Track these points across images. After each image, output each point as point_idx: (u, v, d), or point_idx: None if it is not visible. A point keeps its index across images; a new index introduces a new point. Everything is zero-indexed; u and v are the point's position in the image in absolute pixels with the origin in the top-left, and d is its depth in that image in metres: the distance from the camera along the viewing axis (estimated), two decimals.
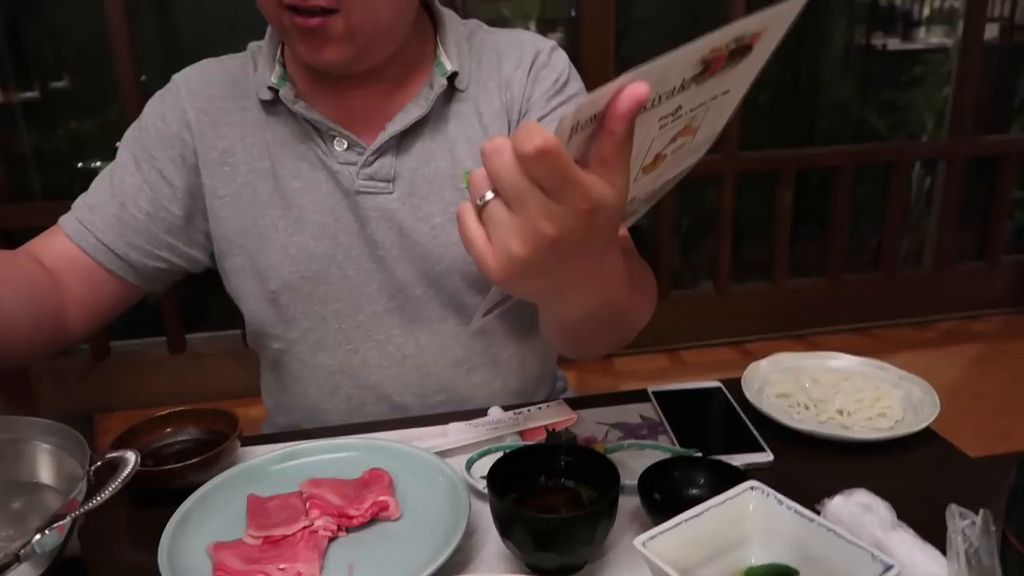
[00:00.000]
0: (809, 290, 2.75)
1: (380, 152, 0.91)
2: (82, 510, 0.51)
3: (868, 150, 2.86)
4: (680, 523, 0.61)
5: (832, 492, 0.71)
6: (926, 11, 3.33)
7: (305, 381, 0.98)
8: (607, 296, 0.65)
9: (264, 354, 1.03)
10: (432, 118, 0.92)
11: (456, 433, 0.88)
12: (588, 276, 0.59)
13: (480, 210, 0.52)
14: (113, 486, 0.52)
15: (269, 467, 0.79)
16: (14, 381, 1.88)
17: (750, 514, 0.64)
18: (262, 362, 1.07)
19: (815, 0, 3.13)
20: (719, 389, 0.98)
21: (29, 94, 2.50)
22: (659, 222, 2.47)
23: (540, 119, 0.93)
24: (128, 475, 0.53)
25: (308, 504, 0.71)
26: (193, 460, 0.78)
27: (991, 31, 2.94)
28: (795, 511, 0.62)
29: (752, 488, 0.65)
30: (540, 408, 0.92)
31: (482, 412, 0.93)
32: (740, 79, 0.58)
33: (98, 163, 2.64)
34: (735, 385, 0.96)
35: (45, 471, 0.59)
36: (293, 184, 0.92)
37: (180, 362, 2.26)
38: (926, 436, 0.87)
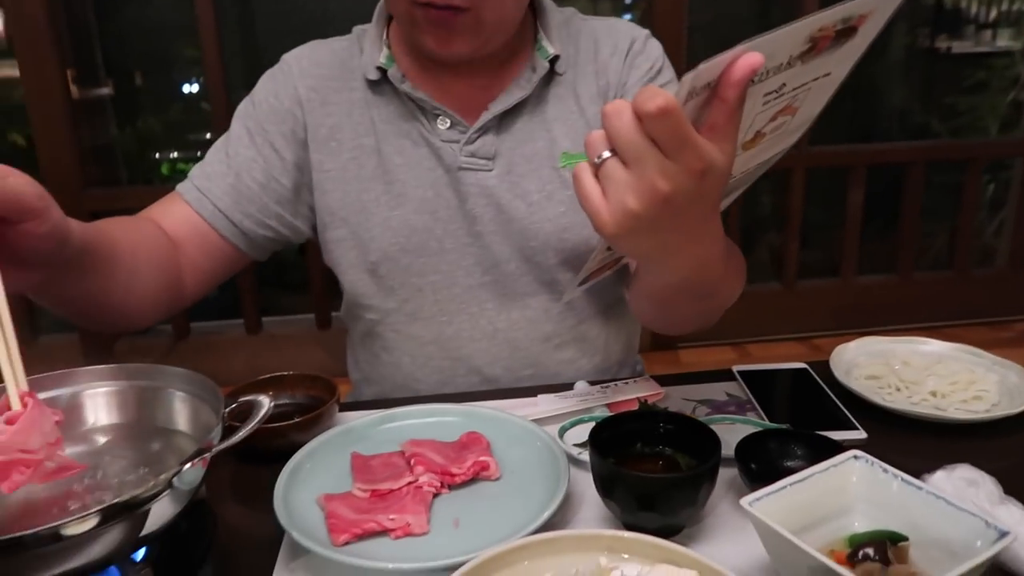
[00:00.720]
0: (879, 287, 2.70)
1: (482, 131, 0.94)
2: (223, 445, 0.54)
3: (941, 146, 2.79)
4: (784, 487, 0.62)
5: (929, 471, 0.71)
6: (992, 14, 3.22)
7: (399, 351, 1.01)
8: (704, 263, 0.67)
9: (357, 326, 1.06)
10: (532, 100, 0.95)
11: (546, 404, 0.90)
12: (692, 239, 0.61)
13: (597, 168, 0.55)
14: (250, 425, 0.55)
15: (369, 429, 0.82)
16: (101, 357, 1.96)
17: (853, 483, 0.65)
18: (352, 335, 1.10)
19: None
20: (805, 370, 0.98)
21: (106, 90, 2.60)
22: (727, 215, 2.46)
23: None
24: (264, 415, 0.57)
25: (412, 461, 0.74)
26: (298, 419, 0.81)
27: None
28: (902, 480, 0.62)
29: (856, 457, 0.65)
30: (627, 383, 0.94)
31: (568, 387, 0.95)
32: (841, 62, 0.59)
33: (174, 153, 2.76)
34: (820, 367, 0.96)
35: (181, 418, 0.63)
36: (396, 160, 0.95)
37: (256, 343, 2.34)
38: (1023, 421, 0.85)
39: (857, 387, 0.89)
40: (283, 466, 0.73)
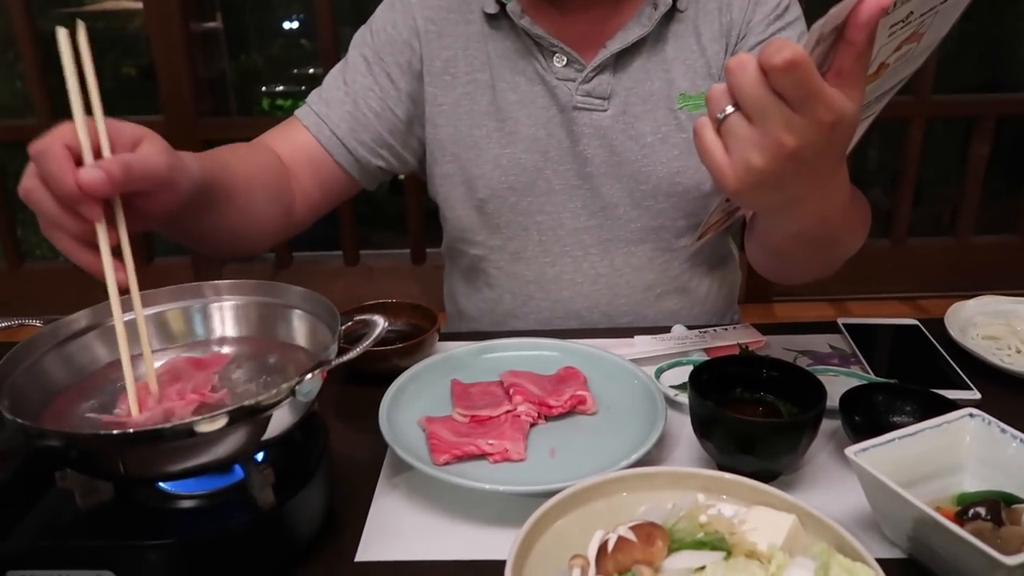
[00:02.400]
0: (997, 248, 2.53)
1: (599, 69, 0.92)
2: (342, 359, 0.57)
3: None
4: (893, 440, 0.60)
5: None
6: None
7: (500, 288, 1.03)
8: (828, 213, 0.65)
9: (460, 260, 1.08)
10: (651, 38, 0.92)
11: (643, 345, 0.90)
12: (818, 190, 0.60)
13: (719, 124, 0.54)
14: (367, 342, 0.58)
15: (469, 357, 0.84)
16: (213, 273, 2.07)
17: (967, 442, 0.63)
18: (451, 270, 1.12)
19: None
20: (916, 326, 0.94)
21: (216, 24, 2.67)
22: None
23: (758, 44, 0.92)
24: (380, 334, 0.59)
25: (511, 391, 0.76)
26: (401, 344, 0.84)
27: None
28: (1021, 441, 0.60)
29: (971, 415, 0.63)
30: (727, 329, 0.92)
31: (666, 330, 0.94)
32: None
33: (279, 87, 2.82)
34: (935, 325, 0.92)
35: (299, 333, 0.66)
36: (510, 97, 0.94)
37: (353, 274, 2.42)
38: None
39: (973, 347, 0.86)
40: (386, 388, 0.76)
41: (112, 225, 0.57)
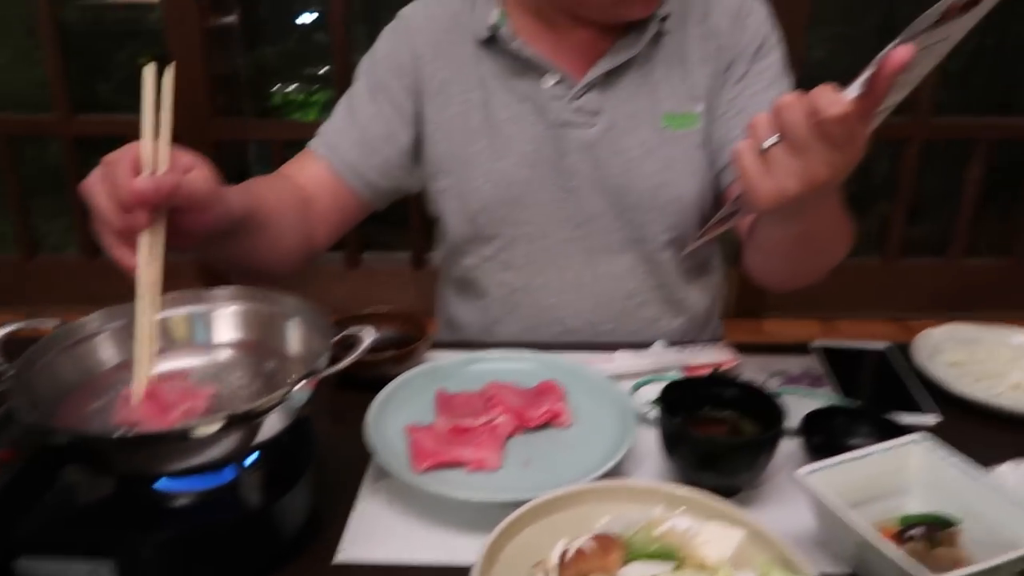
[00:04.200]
0: (988, 270, 2.57)
1: (588, 87, 0.97)
2: (332, 370, 0.61)
3: None
4: (842, 462, 0.65)
5: (998, 462, 0.71)
6: None
7: (489, 296, 1.07)
8: (825, 215, 0.75)
9: (452, 270, 1.12)
10: (639, 59, 0.97)
11: (622, 360, 0.94)
12: (822, 199, 0.69)
13: (763, 151, 0.63)
14: (358, 351, 0.63)
15: (456, 368, 0.89)
16: (218, 279, 2.11)
17: (913, 466, 0.67)
18: (445, 279, 1.17)
19: None
20: (887, 350, 0.98)
21: (233, 18, 2.69)
22: None
23: (744, 75, 0.98)
24: (369, 346, 0.64)
25: (491, 402, 0.80)
26: (392, 353, 0.88)
27: None
28: (961, 466, 0.64)
29: (918, 440, 0.67)
30: (704, 347, 0.96)
31: (646, 346, 0.98)
32: (960, 29, 0.62)
33: (293, 86, 2.85)
34: (903, 351, 0.96)
35: (293, 341, 0.70)
36: (502, 115, 0.99)
37: (355, 276, 2.47)
38: None
39: (937, 372, 0.90)
40: (375, 395, 0.81)
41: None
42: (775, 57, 1.00)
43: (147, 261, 0.65)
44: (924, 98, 2.32)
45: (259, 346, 0.72)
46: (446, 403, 0.82)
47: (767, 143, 0.62)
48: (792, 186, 0.62)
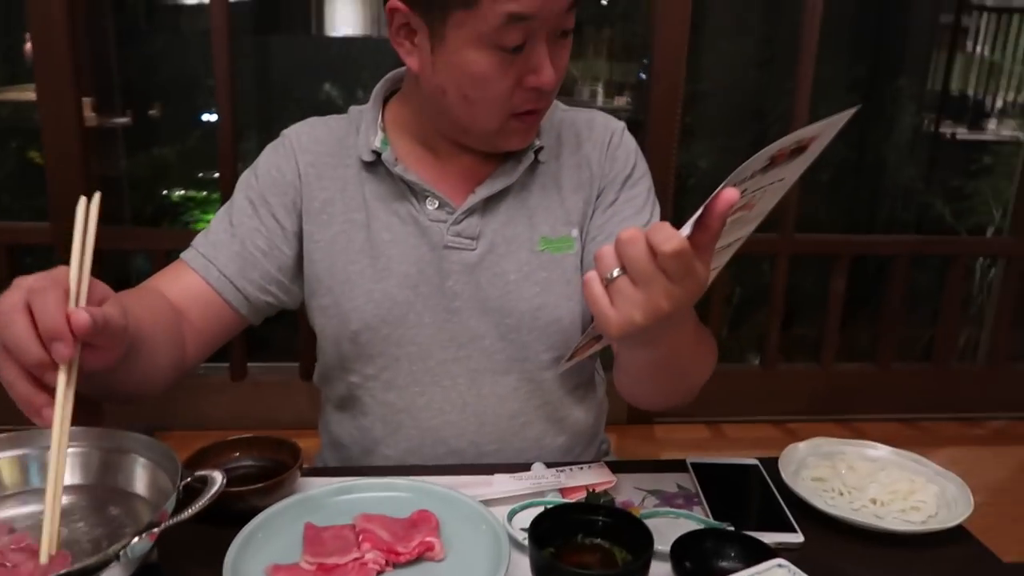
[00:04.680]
0: (857, 375, 2.73)
1: (468, 212, 1.00)
2: (172, 521, 0.57)
3: (926, 241, 2.84)
4: None
5: None
6: (999, 103, 3.34)
7: (372, 416, 1.05)
8: (677, 343, 0.79)
9: (334, 388, 1.10)
10: (516, 186, 1.02)
11: (500, 484, 0.93)
12: (670, 329, 0.72)
13: (607, 282, 0.66)
14: (202, 502, 0.59)
15: (326, 499, 0.85)
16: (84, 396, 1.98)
17: None
18: (327, 397, 1.14)
19: (886, 85, 3.20)
20: (756, 466, 1.01)
21: (124, 120, 2.65)
22: (710, 294, 2.50)
23: (613, 202, 1.04)
24: (216, 492, 0.60)
25: (360, 537, 0.77)
26: (258, 485, 0.84)
27: None
28: None
29: (779, 565, 0.68)
30: (582, 468, 0.97)
31: (526, 467, 0.98)
32: (794, 170, 0.70)
33: (180, 191, 2.80)
34: (773, 464, 0.99)
35: (140, 482, 0.66)
36: (384, 236, 1.00)
37: (239, 389, 2.36)
38: (959, 534, 0.88)
39: (802, 489, 0.93)
40: (241, 528, 0.76)
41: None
42: (643, 187, 1.06)
43: (61, 402, 0.61)
44: (789, 217, 2.51)
45: (103, 488, 0.67)
46: (314, 539, 0.78)
47: (612, 274, 0.65)
48: (637, 316, 0.65)
